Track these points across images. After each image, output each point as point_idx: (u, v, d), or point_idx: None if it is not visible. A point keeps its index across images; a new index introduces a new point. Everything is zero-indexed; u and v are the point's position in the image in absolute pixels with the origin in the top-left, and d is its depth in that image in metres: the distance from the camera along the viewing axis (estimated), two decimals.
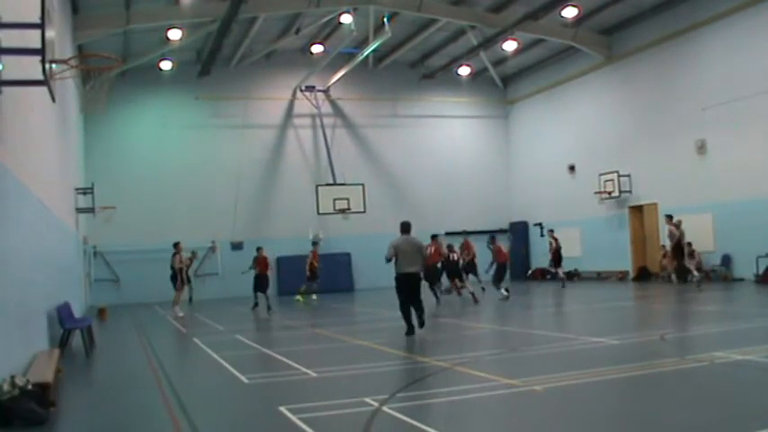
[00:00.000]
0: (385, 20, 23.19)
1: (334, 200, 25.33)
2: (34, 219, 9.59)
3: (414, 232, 12.42)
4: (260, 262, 20.01)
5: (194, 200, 26.71)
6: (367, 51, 25.12)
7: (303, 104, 29.02)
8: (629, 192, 25.01)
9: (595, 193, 25.86)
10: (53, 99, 8.20)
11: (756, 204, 20.07)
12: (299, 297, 22.59)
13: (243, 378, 8.54)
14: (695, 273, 19.53)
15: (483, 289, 20.18)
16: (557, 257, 23.24)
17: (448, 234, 26.57)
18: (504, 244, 23.36)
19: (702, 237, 21.72)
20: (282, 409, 6.53)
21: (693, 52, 22.55)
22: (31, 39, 7.02)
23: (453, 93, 30.84)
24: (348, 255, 28.37)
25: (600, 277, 26.37)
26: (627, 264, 25.56)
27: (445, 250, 19.63)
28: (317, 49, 26.64)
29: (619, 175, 24.91)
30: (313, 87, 28.78)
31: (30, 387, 6.47)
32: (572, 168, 28.19)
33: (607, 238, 26.26)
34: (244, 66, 27.64)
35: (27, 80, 7.52)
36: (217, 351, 11.14)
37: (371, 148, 29.94)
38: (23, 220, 8.51)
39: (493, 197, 31.24)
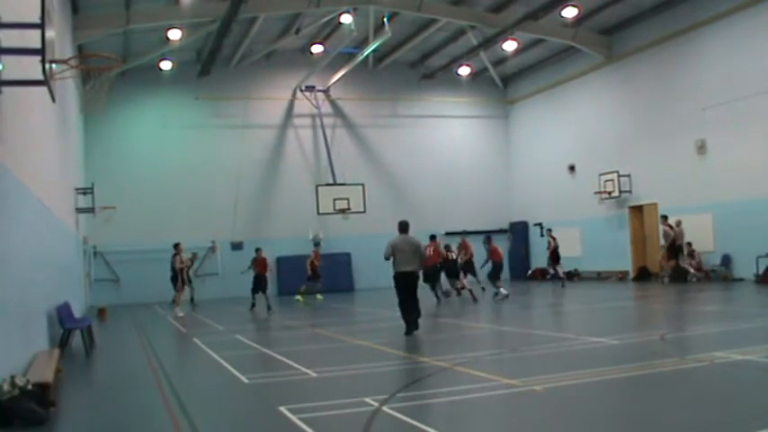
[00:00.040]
0: (385, 20, 23.17)
1: (334, 200, 25.32)
2: (34, 219, 9.59)
3: (414, 232, 12.45)
4: (259, 263, 20.03)
5: (194, 200, 26.69)
6: (367, 51, 25.10)
7: (303, 104, 29.00)
8: (629, 192, 24.99)
9: (595, 193, 25.85)
10: (53, 99, 8.20)
11: (756, 204, 20.07)
12: (299, 297, 22.60)
13: (243, 378, 8.54)
14: (692, 272, 19.54)
15: (483, 289, 20.19)
16: (554, 256, 23.27)
17: (448, 234, 26.62)
18: (500, 244, 23.39)
19: (702, 237, 21.74)
20: (282, 409, 6.54)
21: (693, 52, 22.54)
22: (31, 39, 7.02)
23: (453, 93, 30.81)
24: (348, 255, 28.36)
25: (600, 277, 26.34)
26: (627, 264, 25.54)
27: (443, 250, 19.66)
28: (317, 49, 26.62)
29: (619, 175, 24.89)
30: (313, 87, 28.76)
31: (30, 387, 6.47)
32: (572, 168, 28.18)
33: (607, 238, 26.25)
34: (244, 66, 27.62)
35: (27, 80, 7.52)
36: (217, 351, 11.15)
37: (371, 148, 29.93)
38: (23, 220, 8.51)
39: (493, 197, 31.22)
